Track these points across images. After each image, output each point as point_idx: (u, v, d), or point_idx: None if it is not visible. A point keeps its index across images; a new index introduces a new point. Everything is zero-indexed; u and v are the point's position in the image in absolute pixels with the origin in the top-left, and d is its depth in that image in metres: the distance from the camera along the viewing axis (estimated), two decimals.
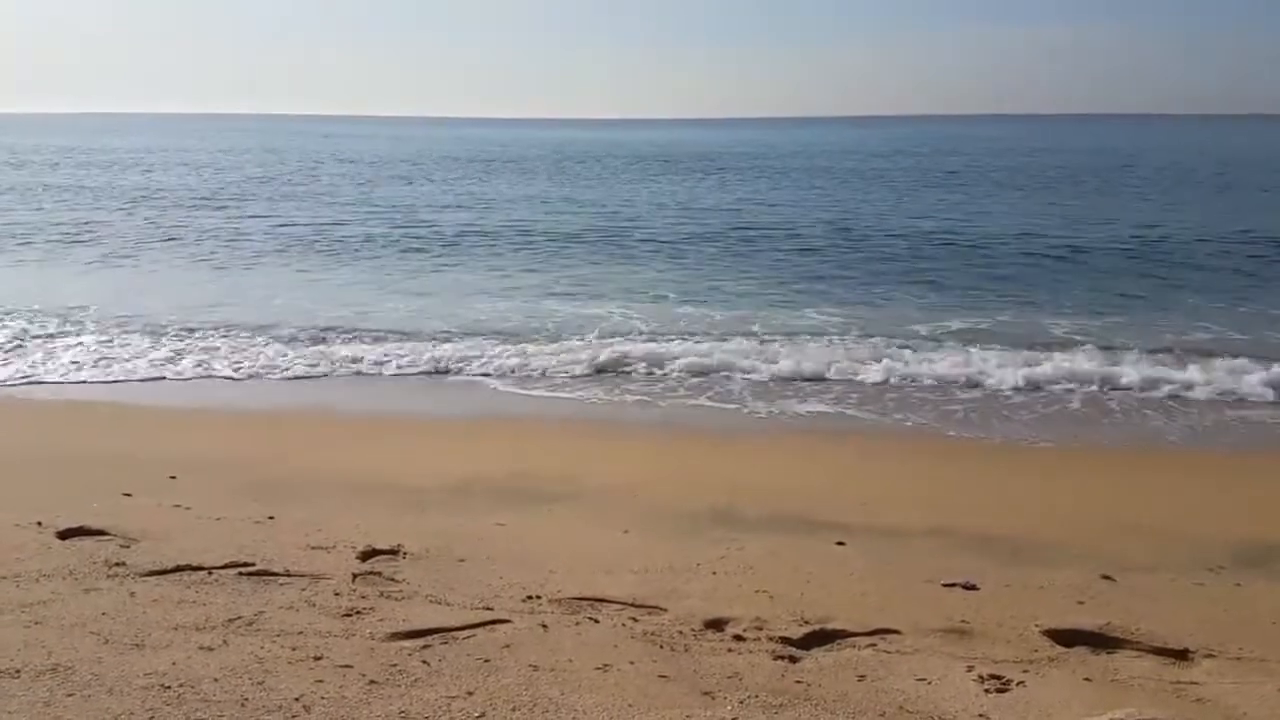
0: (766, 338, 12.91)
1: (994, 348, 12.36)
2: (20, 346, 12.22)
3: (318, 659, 4.13)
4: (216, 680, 3.89)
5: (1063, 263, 19.88)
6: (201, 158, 59.76)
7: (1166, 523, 6.59)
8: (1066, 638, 4.59)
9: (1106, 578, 5.42)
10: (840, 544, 6.04)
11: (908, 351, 12.08)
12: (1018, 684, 4.07)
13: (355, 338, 13.05)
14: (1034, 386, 10.78)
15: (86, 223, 26.80)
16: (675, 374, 11.41)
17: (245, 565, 5.17)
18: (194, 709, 3.68)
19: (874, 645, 4.46)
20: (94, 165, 51.96)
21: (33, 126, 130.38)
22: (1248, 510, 6.95)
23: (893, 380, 11.06)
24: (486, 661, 4.16)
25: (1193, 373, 10.90)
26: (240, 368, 11.40)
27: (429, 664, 4.13)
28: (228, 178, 44.10)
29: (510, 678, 4.00)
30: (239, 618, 4.50)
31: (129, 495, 6.66)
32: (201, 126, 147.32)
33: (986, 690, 4.02)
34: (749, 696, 3.90)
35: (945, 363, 11.51)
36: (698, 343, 12.55)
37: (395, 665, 4.10)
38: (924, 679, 4.10)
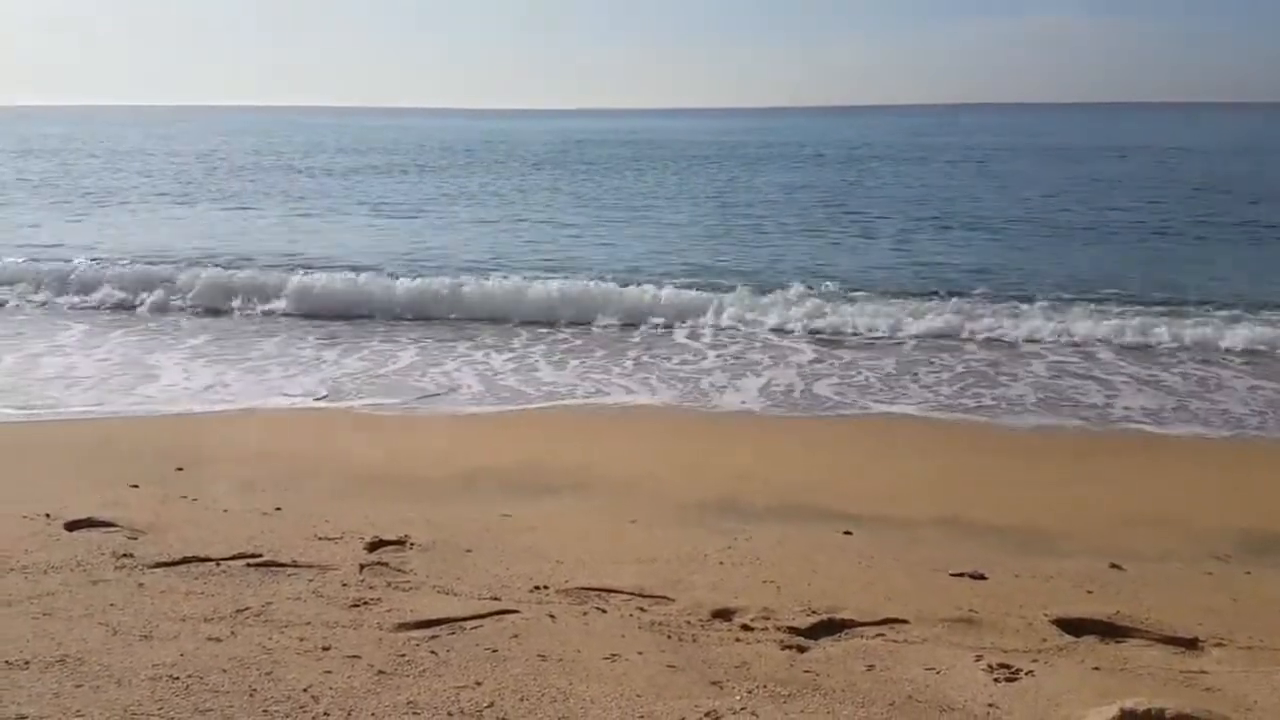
0: None
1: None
2: None
3: (325, 649, 4.13)
4: (224, 671, 3.90)
5: None
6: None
7: (1175, 512, 6.57)
8: (1075, 627, 4.58)
9: (1115, 567, 5.41)
10: (848, 533, 6.04)
11: None
12: (1026, 673, 4.06)
13: None
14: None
15: None
16: None
17: (253, 556, 5.18)
18: (202, 700, 3.68)
19: (882, 635, 4.45)
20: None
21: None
22: (1256, 498, 6.93)
23: None
24: (494, 652, 4.16)
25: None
26: None
27: (437, 654, 4.13)
28: None
29: (518, 668, 4.00)
30: (246, 609, 4.51)
31: (136, 487, 6.67)
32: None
33: (995, 679, 4.02)
34: (757, 686, 3.90)
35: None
36: None
37: (403, 656, 4.10)
38: (932, 668, 4.09)
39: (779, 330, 12.73)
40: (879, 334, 12.57)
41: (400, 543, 5.51)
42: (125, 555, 5.13)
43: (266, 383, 10.61)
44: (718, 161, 49.48)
